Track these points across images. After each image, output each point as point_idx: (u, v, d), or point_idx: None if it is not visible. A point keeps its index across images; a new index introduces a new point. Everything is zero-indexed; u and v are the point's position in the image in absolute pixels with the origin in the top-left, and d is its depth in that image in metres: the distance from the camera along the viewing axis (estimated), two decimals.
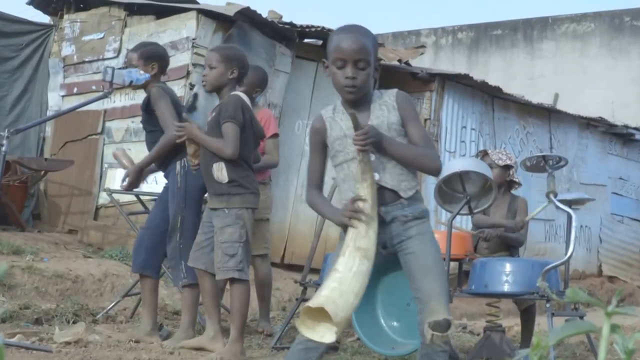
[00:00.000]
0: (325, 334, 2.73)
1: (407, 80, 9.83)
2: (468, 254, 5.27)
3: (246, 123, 4.54)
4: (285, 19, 8.89)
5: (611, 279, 12.38)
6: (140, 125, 5.40)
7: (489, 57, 16.25)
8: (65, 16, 9.53)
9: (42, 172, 8.74)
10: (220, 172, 4.51)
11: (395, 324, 4.66)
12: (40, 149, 9.42)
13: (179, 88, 8.09)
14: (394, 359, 4.59)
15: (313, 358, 2.92)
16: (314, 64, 9.17)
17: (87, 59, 9.16)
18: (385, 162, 2.98)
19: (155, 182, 5.94)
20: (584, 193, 10.11)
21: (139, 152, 6.75)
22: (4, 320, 5.18)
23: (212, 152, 4.51)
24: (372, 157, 2.95)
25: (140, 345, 4.71)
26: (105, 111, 8.79)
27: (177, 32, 8.30)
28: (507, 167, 5.60)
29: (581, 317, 4.79)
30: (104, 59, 8.86)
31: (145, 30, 8.62)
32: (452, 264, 5.24)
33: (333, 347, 4.89)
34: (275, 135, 5.65)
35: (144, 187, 5.68)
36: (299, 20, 8.78)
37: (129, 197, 6.77)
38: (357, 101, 3.02)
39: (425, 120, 9.77)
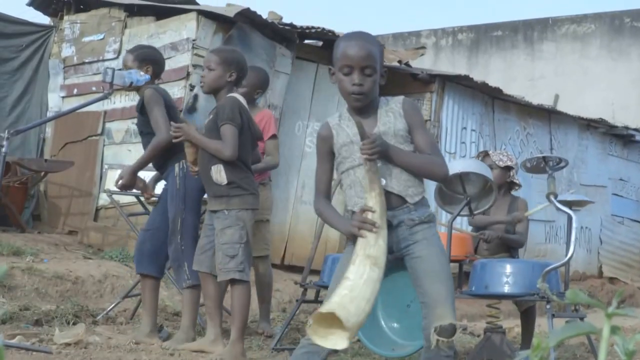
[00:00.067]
0: (338, 341, 2.71)
1: (407, 81, 9.83)
2: (468, 255, 5.27)
3: (244, 124, 4.54)
4: (286, 20, 8.89)
5: (611, 280, 12.37)
6: None
7: (489, 58, 16.25)
8: (65, 17, 9.53)
9: (42, 173, 8.74)
10: (218, 174, 4.51)
11: (395, 325, 4.66)
12: (40, 150, 9.42)
13: (179, 89, 8.09)
14: None
15: None
16: (314, 65, 9.17)
17: (87, 60, 9.17)
18: (391, 168, 2.98)
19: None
20: (584, 195, 10.10)
21: (139, 153, 6.73)
22: (4, 321, 5.17)
23: (211, 155, 4.51)
24: (379, 162, 2.95)
25: (140, 347, 4.70)
26: (105, 112, 8.79)
27: (177, 33, 8.30)
28: (508, 168, 5.60)
29: (581, 319, 4.79)
30: (104, 60, 8.87)
31: (145, 31, 8.63)
32: (452, 265, 5.23)
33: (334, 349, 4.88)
34: (274, 136, 5.66)
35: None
36: (299, 22, 8.80)
37: (129, 199, 6.77)
38: (364, 108, 3.02)
39: (426, 121, 9.77)
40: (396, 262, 3.05)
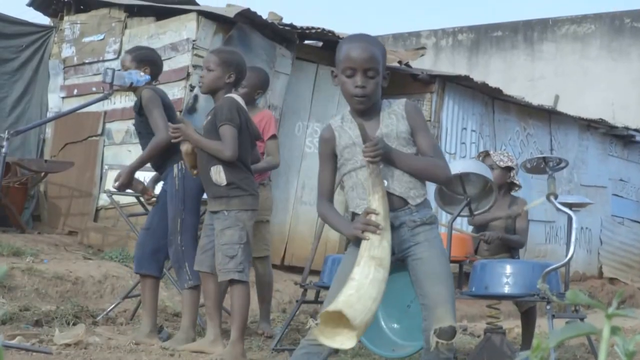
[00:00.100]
0: (345, 341, 2.70)
1: (407, 81, 9.83)
2: (468, 256, 5.27)
3: (242, 125, 4.55)
4: (286, 21, 8.89)
5: (612, 280, 12.37)
6: None
7: (489, 59, 16.25)
8: (66, 18, 9.53)
9: (42, 174, 8.74)
10: (218, 175, 4.51)
11: (395, 325, 4.65)
12: (40, 151, 9.42)
13: (179, 90, 8.09)
14: None
15: None
16: (314, 66, 9.17)
17: (87, 61, 9.17)
18: (393, 170, 2.98)
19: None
20: (584, 196, 10.11)
21: (139, 153, 6.72)
22: (4, 322, 5.17)
23: (210, 155, 4.51)
24: (381, 165, 2.95)
25: (140, 347, 4.70)
26: (105, 113, 8.79)
27: (177, 33, 8.30)
28: (508, 169, 5.60)
29: (582, 319, 4.78)
30: (104, 61, 8.86)
31: (146, 31, 8.62)
32: (452, 265, 5.23)
33: (334, 350, 4.88)
34: (274, 137, 5.66)
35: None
36: (299, 22, 8.79)
37: (129, 199, 6.77)
38: (366, 110, 3.02)
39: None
40: (396, 263, 3.04)
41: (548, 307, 4.55)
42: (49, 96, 9.52)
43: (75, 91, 9.19)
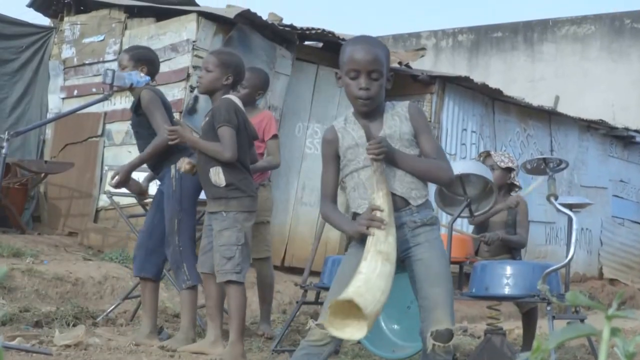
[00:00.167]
0: (355, 332, 2.69)
1: (407, 82, 9.83)
2: (468, 257, 5.27)
3: (240, 126, 4.55)
4: (286, 22, 8.89)
5: (612, 281, 12.37)
6: None
7: (489, 60, 16.25)
8: (66, 18, 9.53)
9: (42, 175, 8.74)
10: (217, 176, 4.51)
11: (395, 326, 4.64)
12: (40, 152, 9.42)
13: (179, 90, 8.09)
14: None
15: None
16: (314, 67, 9.17)
17: (87, 62, 9.17)
18: (395, 170, 2.98)
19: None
20: (584, 196, 10.10)
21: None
22: (4, 323, 5.17)
23: (209, 156, 4.51)
24: (384, 164, 2.95)
25: (140, 348, 4.70)
26: (105, 113, 8.79)
27: (177, 34, 8.30)
28: (509, 170, 5.60)
29: (582, 320, 4.78)
30: (104, 62, 8.86)
31: (146, 32, 8.62)
32: (453, 266, 5.23)
33: (334, 351, 4.88)
34: (275, 136, 5.66)
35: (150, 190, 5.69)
36: (299, 23, 8.79)
37: (129, 200, 6.77)
38: (370, 112, 3.02)
39: None
40: (396, 264, 3.04)
41: (548, 308, 4.55)
42: (49, 97, 9.51)
43: (76, 92, 9.19)
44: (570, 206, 5.09)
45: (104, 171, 8.34)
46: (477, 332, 6.84)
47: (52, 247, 7.88)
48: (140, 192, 5.23)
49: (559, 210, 4.84)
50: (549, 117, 11.74)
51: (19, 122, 9.18)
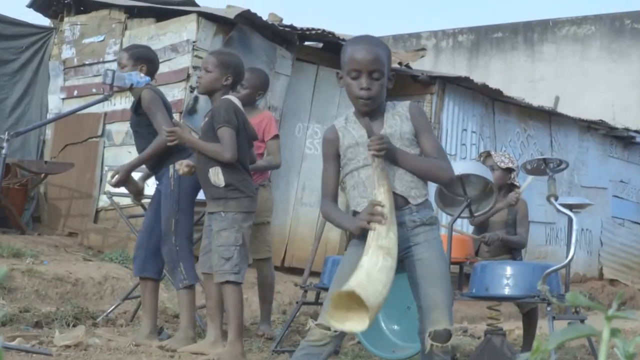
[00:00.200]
0: (357, 325, 2.68)
1: (407, 83, 9.83)
2: (469, 257, 5.27)
3: (240, 126, 4.56)
4: (286, 22, 8.89)
5: (612, 282, 12.37)
6: None
7: (489, 60, 16.25)
8: (66, 19, 9.53)
9: (42, 175, 8.74)
10: (216, 176, 4.52)
11: (395, 327, 4.64)
12: (40, 152, 9.42)
13: (179, 91, 8.09)
14: None
15: None
16: (314, 67, 9.17)
17: (87, 62, 9.17)
18: (395, 169, 2.98)
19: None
20: (584, 197, 10.10)
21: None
22: (4, 323, 5.17)
23: (209, 157, 4.52)
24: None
25: (140, 349, 4.70)
26: (105, 114, 8.79)
27: (177, 34, 8.30)
28: (509, 170, 5.60)
29: (582, 321, 4.78)
30: (104, 62, 8.86)
31: (146, 33, 8.62)
32: (453, 267, 5.23)
33: (334, 351, 4.88)
34: (276, 137, 5.67)
35: (145, 190, 5.69)
36: (299, 23, 8.80)
37: (129, 200, 6.76)
38: (371, 112, 3.02)
39: None
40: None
41: (548, 308, 4.55)
42: (49, 97, 9.51)
43: (76, 92, 9.19)
44: (570, 207, 5.09)
45: (104, 172, 8.34)
46: (477, 332, 6.84)
47: (52, 248, 7.88)
48: (137, 193, 5.22)
49: (559, 211, 4.84)
50: (549, 117, 11.74)
51: (19, 122, 9.18)
